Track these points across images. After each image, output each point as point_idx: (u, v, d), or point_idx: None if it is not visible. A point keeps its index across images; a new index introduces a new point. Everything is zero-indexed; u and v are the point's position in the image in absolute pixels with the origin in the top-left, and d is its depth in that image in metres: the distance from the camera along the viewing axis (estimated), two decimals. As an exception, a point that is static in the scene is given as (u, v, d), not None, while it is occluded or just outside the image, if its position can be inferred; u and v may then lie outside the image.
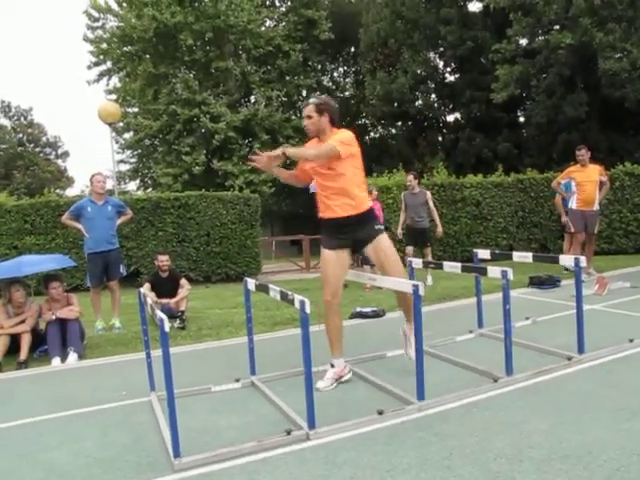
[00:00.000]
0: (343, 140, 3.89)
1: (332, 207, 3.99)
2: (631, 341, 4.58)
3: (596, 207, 8.44)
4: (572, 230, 8.48)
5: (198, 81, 20.66)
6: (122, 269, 7.01)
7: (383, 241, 4.08)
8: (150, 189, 25.89)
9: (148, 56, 21.88)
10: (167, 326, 2.80)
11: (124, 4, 21.94)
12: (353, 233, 4.01)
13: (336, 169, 3.91)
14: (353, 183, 3.96)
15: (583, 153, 8.31)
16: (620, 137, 17.24)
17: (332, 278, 4.05)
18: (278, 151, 3.78)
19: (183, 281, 7.30)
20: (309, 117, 4.01)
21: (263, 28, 22.31)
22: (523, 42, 17.34)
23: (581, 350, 4.27)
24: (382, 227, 4.19)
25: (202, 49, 21.18)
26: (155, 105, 21.38)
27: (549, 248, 12.40)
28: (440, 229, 9.19)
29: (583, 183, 8.29)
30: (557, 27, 15.85)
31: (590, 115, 16.99)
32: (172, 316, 6.59)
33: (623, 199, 12.01)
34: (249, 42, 21.05)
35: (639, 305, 6.27)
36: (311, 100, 4.06)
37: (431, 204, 9.04)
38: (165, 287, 7.16)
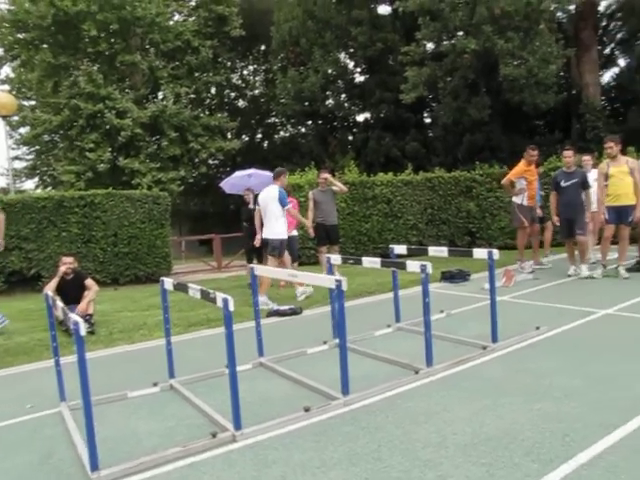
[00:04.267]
0: None
1: None
2: (537, 329, 4.88)
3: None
4: (525, 224, 8.81)
5: (102, 74, 19.61)
6: None
7: None
8: (50, 188, 24.36)
9: (46, 45, 20.53)
10: (83, 329, 2.61)
11: (14, -16, 20.31)
12: None
13: None
14: None
15: (537, 154, 8.82)
16: (519, 139, 18.27)
17: None
18: None
19: (89, 281, 6.80)
20: None
21: (172, 22, 21.60)
22: (431, 45, 17.96)
23: (494, 339, 4.48)
24: None
25: (107, 41, 20.12)
26: (55, 98, 20.05)
27: (457, 244, 12.95)
28: None
29: (532, 181, 8.79)
30: (462, 33, 16.55)
31: (493, 118, 17.89)
32: (80, 320, 6.20)
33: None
34: (157, 36, 20.28)
35: (541, 295, 6.72)
36: None
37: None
38: (71, 290, 6.69)
